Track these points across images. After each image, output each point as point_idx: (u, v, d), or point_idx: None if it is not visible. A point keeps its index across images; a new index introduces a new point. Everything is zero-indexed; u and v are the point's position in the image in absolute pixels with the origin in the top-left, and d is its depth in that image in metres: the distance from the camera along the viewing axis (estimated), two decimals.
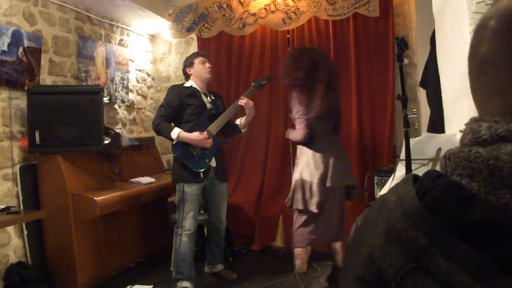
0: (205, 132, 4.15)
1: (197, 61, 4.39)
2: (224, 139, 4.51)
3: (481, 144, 0.53)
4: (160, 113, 4.23)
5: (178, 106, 4.24)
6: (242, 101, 4.26)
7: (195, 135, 4.09)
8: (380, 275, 0.51)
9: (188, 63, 4.44)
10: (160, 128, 4.16)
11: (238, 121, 4.47)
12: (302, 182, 3.83)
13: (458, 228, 0.48)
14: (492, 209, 0.49)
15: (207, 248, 4.63)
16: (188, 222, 4.14)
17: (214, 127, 4.21)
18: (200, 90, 4.38)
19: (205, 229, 4.95)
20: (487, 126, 0.54)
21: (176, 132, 4.10)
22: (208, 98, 4.43)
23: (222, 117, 4.24)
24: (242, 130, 4.50)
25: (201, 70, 4.37)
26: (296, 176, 3.90)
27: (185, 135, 4.10)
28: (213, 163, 4.28)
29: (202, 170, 4.16)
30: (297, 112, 3.88)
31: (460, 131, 0.59)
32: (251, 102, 4.29)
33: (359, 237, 0.60)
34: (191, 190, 4.15)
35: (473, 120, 0.57)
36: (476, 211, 0.49)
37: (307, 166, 3.85)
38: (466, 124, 0.58)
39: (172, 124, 4.24)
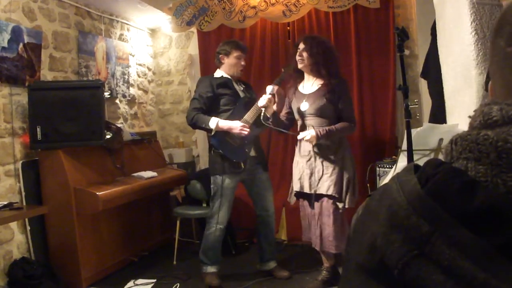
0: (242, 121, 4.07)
1: (234, 53, 4.25)
2: (261, 127, 4.30)
3: (490, 127, 0.53)
4: (193, 106, 4.13)
5: (212, 97, 4.15)
6: (274, 88, 4.02)
7: (235, 124, 4.00)
8: (383, 263, 0.51)
9: (225, 51, 4.28)
10: (196, 121, 4.06)
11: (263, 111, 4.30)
12: (354, 179, 3.83)
13: (461, 214, 0.48)
14: (495, 195, 0.48)
15: (258, 244, 4.52)
16: (222, 216, 4.13)
17: (250, 115, 4.10)
18: (231, 79, 4.29)
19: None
20: (498, 108, 0.54)
21: (214, 121, 4.00)
22: (240, 86, 4.37)
23: (257, 105, 4.10)
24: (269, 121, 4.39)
25: (235, 65, 4.27)
26: (349, 173, 3.80)
27: (225, 123, 4.01)
28: (252, 152, 4.23)
29: (243, 160, 4.12)
30: (352, 105, 3.99)
31: (469, 117, 0.59)
32: (282, 90, 4.12)
33: (361, 227, 0.60)
34: (229, 182, 4.11)
35: (483, 104, 0.57)
36: (478, 197, 0.48)
37: (350, 160, 3.87)
38: (475, 110, 0.58)
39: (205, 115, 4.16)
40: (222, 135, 4.06)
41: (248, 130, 4.02)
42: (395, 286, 0.50)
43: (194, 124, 4.10)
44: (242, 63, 4.30)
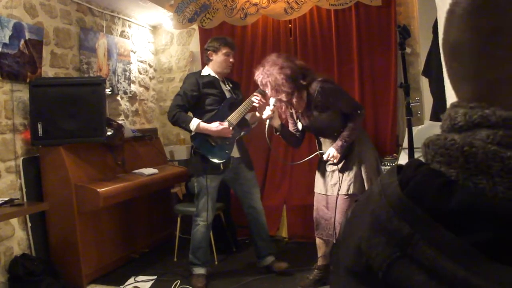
0: (226, 122, 4.05)
1: (223, 50, 4.17)
2: (245, 129, 4.31)
3: (457, 131, 0.54)
4: (176, 103, 4.11)
5: (196, 95, 4.11)
6: (255, 99, 3.99)
7: (215, 126, 4.00)
8: (369, 265, 0.52)
9: (214, 47, 4.20)
10: (177, 119, 4.05)
11: (248, 116, 4.31)
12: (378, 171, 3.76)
13: (439, 214, 0.49)
14: (470, 195, 0.49)
15: (252, 242, 4.52)
16: (206, 213, 4.15)
17: (234, 117, 4.10)
18: (219, 78, 4.23)
19: (222, 218, 5.06)
20: (462, 112, 0.54)
21: (195, 123, 4.00)
22: (227, 86, 4.30)
23: (242, 107, 4.11)
24: (251, 126, 4.37)
25: (222, 62, 4.18)
26: (370, 167, 3.71)
27: (205, 126, 4.00)
28: (235, 153, 4.20)
29: (222, 161, 4.08)
30: (346, 95, 3.79)
31: (441, 116, 0.60)
32: (263, 101, 3.98)
33: (348, 231, 0.61)
34: (210, 182, 4.10)
35: (452, 106, 0.58)
36: (455, 197, 0.50)
37: (370, 153, 3.80)
38: (446, 110, 0.59)
39: (190, 114, 4.16)
40: (204, 135, 4.05)
41: (230, 131, 4.04)
42: None
43: (175, 121, 4.09)
44: (231, 60, 4.23)
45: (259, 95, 3.99)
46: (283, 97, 3.61)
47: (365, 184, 3.68)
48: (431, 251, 0.47)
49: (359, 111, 3.67)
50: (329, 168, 3.79)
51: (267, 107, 3.74)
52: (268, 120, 3.71)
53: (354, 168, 3.68)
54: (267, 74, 3.59)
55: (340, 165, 3.71)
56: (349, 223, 0.62)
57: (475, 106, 0.54)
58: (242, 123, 4.24)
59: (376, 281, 0.51)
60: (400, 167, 0.59)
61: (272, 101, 3.70)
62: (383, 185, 0.56)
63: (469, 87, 0.57)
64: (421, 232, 0.49)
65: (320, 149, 3.88)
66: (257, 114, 4.10)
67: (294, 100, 3.65)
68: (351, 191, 3.64)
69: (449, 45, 0.59)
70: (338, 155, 3.60)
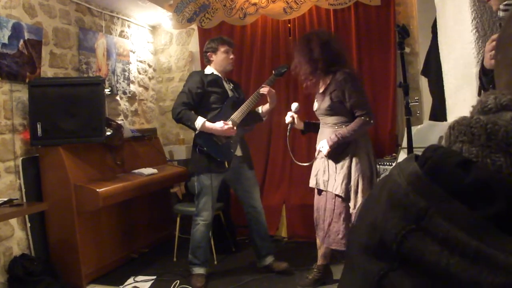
0: (230, 121, 4.07)
1: (221, 49, 4.22)
2: (247, 127, 4.39)
3: (485, 113, 0.56)
4: (181, 100, 4.09)
5: (201, 93, 4.12)
6: (264, 90, 4.14)
7: (219, 125, 4.01)
8: (382, 240, 0.54)
9: (212, 48, 4.25)
10: (182, 116, 4.04)
11: (260, 109, 4.36)
12: (371, 178, 3.71)
13: (455, 189, 0.52)
14: (486, 171, 0.52)
15: (252, 241, 4.52)
16: (206, 213, 4.16)
17: (238, 115, 4.12)
18: (222, 77, 4.27)
19: (222, 218, 5.07)
20: (493, 97, 0.58)
21: (200, 122, 4.00)
22: (229, 84, 4.35)
23: (245, 106, 4.14)
24: (263, 118, 4.41)
25: (223, 60, 4.23)
26: (360, 172, 3.64)
27: (210, 125, 4.01)
28: (238, 152, 4.23)
29: (228, 160, 4.11)
30: (364, 96, 3.78)
31: (472, 106, 0.63)
32: (273, 90, 4.18)
33: (364, 212, 0.63)
34: (214, 181, 4.12)
35: (484, 94, 0.61)
36: (472, 173, 0.52)
37: (364, 158, 3.73)
38: (479, 97, 0.63)
39: (192, 112, 4.15)
40: (208, 133, 4.06)
41: (234, 130, 4.08)
42: (393, 261, 0.53)
43: (180, 119, 4.08)
44: (231, 56, 4.27)
45: (267, 87, 4.15)
46: (301, 74, 3.78)
47: (351, 188, 3.65)
48: (445, 223, 0.50)
49: (367, 118, 3.65)
50: (321, 162, 3.80)
51: (288, 113, 3.93)
52: (289, 125, 3.91)
53: (344, 170, 3.66)
54: (297, 48, 3.84)
55: (326, 157, 3.73)
56: (365, 206, 0.64)
57: (507, 93, 0.57)
58: (245, 122, 4.26)
59: (390, 254, 0.53)
60: (417, 155, 0.61)
61: (294, 106, 3.93)
62: (401, 168, 0.59)
63: (505, 74, 0.62)
64: (436, 206, 0.51)
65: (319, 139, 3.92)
66: (268, 105, 4.28)
67: (311, 81, 3.79)
68: (337, 191, 3.64)
69: (499, 39, 0.65)
70: (328, 148, 3.64)
